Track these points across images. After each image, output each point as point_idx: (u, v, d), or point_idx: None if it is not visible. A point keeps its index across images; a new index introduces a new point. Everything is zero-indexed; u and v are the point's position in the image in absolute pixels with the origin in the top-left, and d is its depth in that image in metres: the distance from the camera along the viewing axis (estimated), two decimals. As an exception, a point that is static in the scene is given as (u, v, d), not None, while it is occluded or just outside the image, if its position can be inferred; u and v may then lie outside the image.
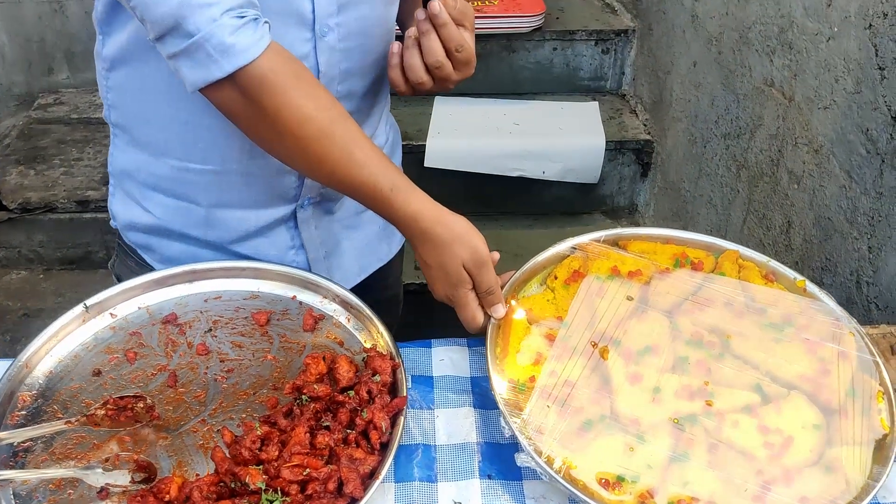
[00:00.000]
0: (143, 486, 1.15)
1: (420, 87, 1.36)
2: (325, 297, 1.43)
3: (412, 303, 2.19)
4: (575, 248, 1.49)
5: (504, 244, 3.16)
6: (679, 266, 1.47)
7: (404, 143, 3.08)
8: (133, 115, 1.45)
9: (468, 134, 3.14)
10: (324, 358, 1.28)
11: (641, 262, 1.46)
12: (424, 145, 3.08)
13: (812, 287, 1.42)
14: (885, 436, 1.20)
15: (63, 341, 1.34)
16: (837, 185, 1.93)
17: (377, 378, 1.24)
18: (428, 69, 1.35)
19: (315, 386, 1.22)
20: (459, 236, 1.30)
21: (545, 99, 3.37)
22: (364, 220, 1.68)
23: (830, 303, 1.39)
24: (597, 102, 3.34)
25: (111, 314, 1.39)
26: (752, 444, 1.18)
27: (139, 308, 1.41)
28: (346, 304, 1.41)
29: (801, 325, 1.35)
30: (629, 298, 1.40)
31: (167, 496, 1.13)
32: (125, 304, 1.41)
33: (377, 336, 1.35)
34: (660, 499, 1.12)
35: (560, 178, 3.12)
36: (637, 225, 3.25)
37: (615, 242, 1.51)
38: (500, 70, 3.34)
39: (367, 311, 1.38)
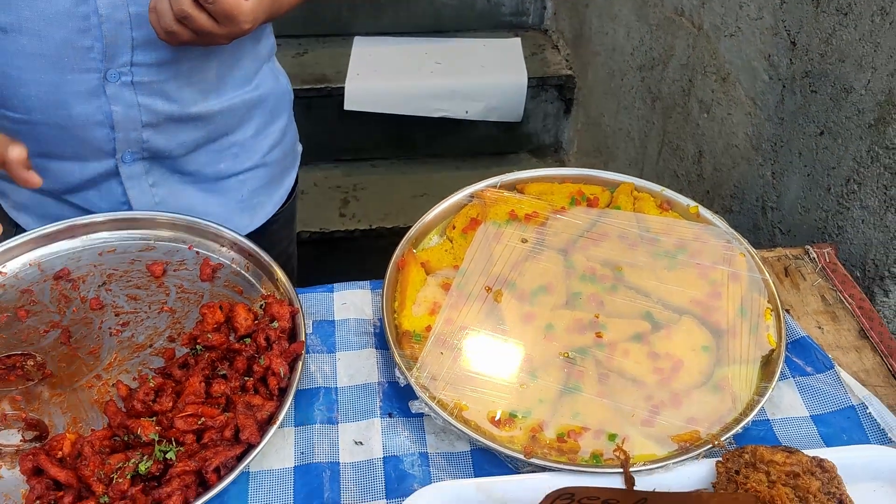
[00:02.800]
0: (36, 445, 1.14)
1: (174, 38, 1.22)
2: (223, 246, 1.41)
3: (311, 255, 2.18)
4: (473, 197, 1.48)
5: (432, 188, 3.15)
6: (575, 204, 1.47)
7: (322, 85, 3.05)
8: None
9: (389, 75, 3.09)
10: (221, 307, 1.27)
11: (538, 204, 1.46)
12: (343, 87, 3.03)
13: (705, 212, 1.44)
14: (772, 351, 1.24)
15: None
16: (743, 113, 1.94)
17: (275, 325, 1.24)
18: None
19: (209, 335, 1.21)
20: None
21: (467, 36, 3.32)
22: (226, 188, 1.62)
23: (723, 226, 1.41)
24: (519, 39, 3.31)
25: (1, 272, 1.36)
26: (641, 371, 1.21)
27: (30, 265, 1.38)
28: (244, 252, 1.40)
29: (694, 251, 1.37)
30: (524, 241, 1.40)
31: (60, 453, 1.12)
32: (15, 260, 1.38)
33: (276, 283, 1.34)
34: (549, 431, 1.14)
35: (483, 118, 3.10)
36: (562, 163, 3.26)
37: (513, 187, 1.51)
38: (421, 7, 3.28)
39: (266, 257, 1.37)
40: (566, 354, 1.23)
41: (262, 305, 1.29)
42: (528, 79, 3.08)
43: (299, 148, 1.87)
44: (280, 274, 1.34)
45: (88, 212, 1.52)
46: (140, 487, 1.07)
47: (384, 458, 1.15)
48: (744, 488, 1.04)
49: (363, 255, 2.88)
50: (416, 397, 1.18)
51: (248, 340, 1.22)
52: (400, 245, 1.38)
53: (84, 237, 1.42)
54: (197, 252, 1.41)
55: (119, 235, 1.43)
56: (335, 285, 1.39)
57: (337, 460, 1.15)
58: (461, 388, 1.19)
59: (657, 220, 1.43)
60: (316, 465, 1.14)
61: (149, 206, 1.54)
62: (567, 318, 1.28)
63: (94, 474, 1.07)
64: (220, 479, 1.08)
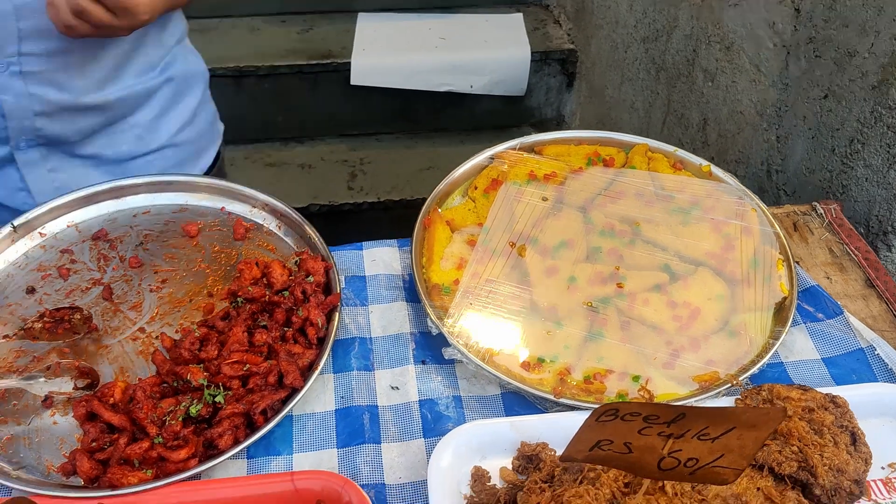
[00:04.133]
0: (87, 392, 1.19)
1: (73, 31, 1.23)
2: (255, 207, 1.47)
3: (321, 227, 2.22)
4: (493, 158, 1.53)
5: (438, 161, 3.21)
6: (592, 165, 1.53)
7: (327, 61, 3.09)
8: None
9: (394, 50, 3.13)
10: (257, 263, 1.33)
11: (556, 165, 1.51)
12: (349, 63, 3.07)
13: (717, 170, 1.50)
14: (784, 299, 1.30)
15: None
16: (748, 80, 2.00)
17: (311, 279, 1.30)
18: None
19: (250, 288, 1.27)
20: None
21: (470, 11, 3.36)
22: (132, 169, 1.60)
23: (734, 183, 1.47)
24: (521, 14, 3.35)
25: (40, 233, 1.41)
26: (661, 318, 1.27)
27: (68, 226, 1.43)
28: (275, 213, 1.45)
29: (708, 207, 1.43)
30: (544, 199, 1.46)
31: (111, 399, 1.17)
32: (53, 222, 1.43)
33: (308, 241, 1.40)
34: (576, 373, 1.20)
35: (487, 92, 3.15)
36: (566, 134, 3.30)
37: (531, 149, 1.56)
38: (423, -16, 3.32)
39: (297, 217, 1.42)
40: (589, 304, 1.29)
41: (296, 262, 1.35)
42: (532, 53, 3.12)
43: (220, 127, 1.82)
44: (312, 232, 1.40)
45: None
46: (191, 429, 1.13)
47: (420, 401, 1.21)
48: (762, 422, 1.11)
49: (372, 226, 2.93)
50: (448, 345, 1.24)
51: (286, 293, 1.28)
52: (425, 205, 1.44)
53: (119, 200, 1.47)
54: (229, 213, 1.47)
55: (153, 198, 1.48)
56: (364, 243, 1.45)
57: (375, 404, 1.21)
58: (491, 336, 1.25)
59: (671, 179, 1.49)
60: (356, 408, 1.20)
61: (49, 191, 1.51)
62: (588, 270, 1.34)
63: (148, 417, 1.12)
64: (267, 420, 1.14)
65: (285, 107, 3.17)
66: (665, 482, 1.01)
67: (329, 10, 3.33)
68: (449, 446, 1.12)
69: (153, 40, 1.51)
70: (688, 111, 2.34)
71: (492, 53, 3.14)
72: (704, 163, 1.51)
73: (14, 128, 1.41)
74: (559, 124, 3.36)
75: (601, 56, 2.96)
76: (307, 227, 1.41)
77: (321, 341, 1.25)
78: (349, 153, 3.20)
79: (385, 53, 3.12)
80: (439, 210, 1.44)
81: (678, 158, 1.53)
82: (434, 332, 1.25)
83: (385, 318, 1.33)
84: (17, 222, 1.38)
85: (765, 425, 0.79)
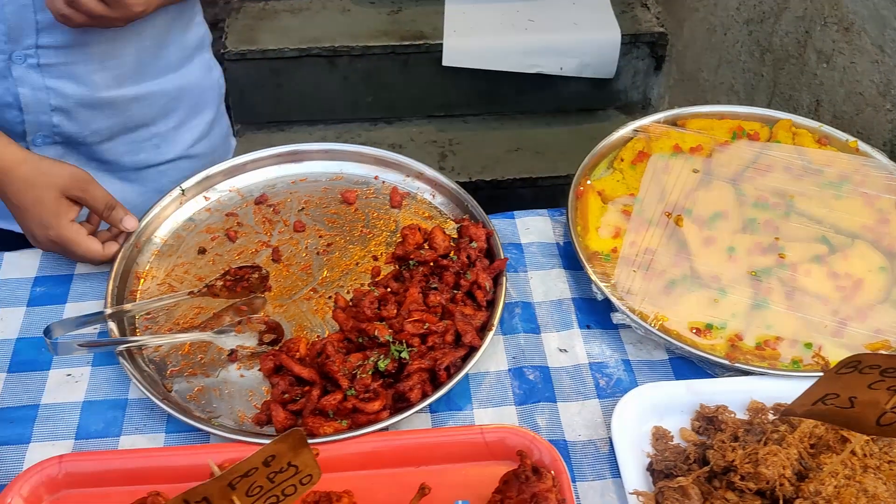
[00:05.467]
0: (272, 347, 1.24)
1: (68, 21, 1.23)
2: (408, 176, 1.50)
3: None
4: (637, 131, 1.56)
5: (525, 142, 3.23)
6: (736, 138, 1.54)
7: (420, 42, 3.12)
8: None
9: (484, 31, 3.15)
10: (419, 229, 1.37)
11: (701, 138, 1.53)
12: (440, 44, 3.09)
13: (864, 146, 1.51)
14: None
15: (164, 223, 1.43)
16: (869, 61, 1.99)
17: (474, 245, 1.33)
18: None
19: (422, 252, 1.31)
20: (50, 167, 1.25)
21: (556, -6, 3.37)
22: (145, 177, 1.61)
23: (883, 159, 1.48)
24: (608, -4, 3.35)
25: (205, 197, 1.47)
26: (824, 289, 1.29)
27: (230, 190, 1.49)
28: (430, 182, 1.49)
29: (858, 182, 1.44)
30: (695, 171, 1.48)
31: (297, 354, 1.22)
32: (217, 187, 1.49)
33: (466, 208, 1.43)
34: (748, 340, 1.23)
35: (577, 74, 3.16)
36: (652, 118, 3.31)
37: (674, 122, 1.58)
38: (508, -33, 3.33)
39: (453, 185, 1.46)
40: (753, 273, 1.31)
41: (457, 229, 1.38)
42: (621, 35, 3.13)
43: (233, 142, 1.84)
44: (469, 200, 1.43)
45: None
46: (380, 382, 1.18)
47: (590, 363, 1.25)
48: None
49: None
50: (614, 310, 1.27)
51: (454, 258, 1.31)
52: (575, 176, 1.47)
53: (277, 167, 1.52)
54: (383, 181, 1.51)
55: (309, 166, 1.53)
56: (515, 212, 1.48)
57: (546, 364, 1.24)
58: (657, 302, 1.28)
59: (818, 153, 1.50)
60: (528, 367, 1.24)
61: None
62: (747, 241, 1.36)
63: (340, 370, 1.17)
64: (450, 377, 1.18)
65: (376, 87, 3.21)
66: (856, 443, 1.03)
67: (417, -8, 3.35)
68: (629, 406, 1.15)
69: (175, 41, 1.51)
70: (797, 93, 2.33)
71: (581, 35, 3.14)
72: (851, 138, 1.52)
73: (31, 122, 1.41)
74: (645, 108, 3.36)
75: (695, 39, 2.95)
76: (464, 195, 1.44)
77: (489, 304, 1.28)
78: (438, 134, 3.23)
79: (476, 35, 3.14)
80: (588, 181, 1.47)
81: (823, 134, 1.54)
82: (599, 297, 1.28)
83: (545, 284, 1.36)
84: (184, 186, 1.44)
85: None
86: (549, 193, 3.06)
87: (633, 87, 3.33)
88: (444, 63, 3.10)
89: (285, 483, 0.84)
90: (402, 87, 3.23)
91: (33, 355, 1.25)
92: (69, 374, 1.22)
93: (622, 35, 3.14)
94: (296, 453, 0.81)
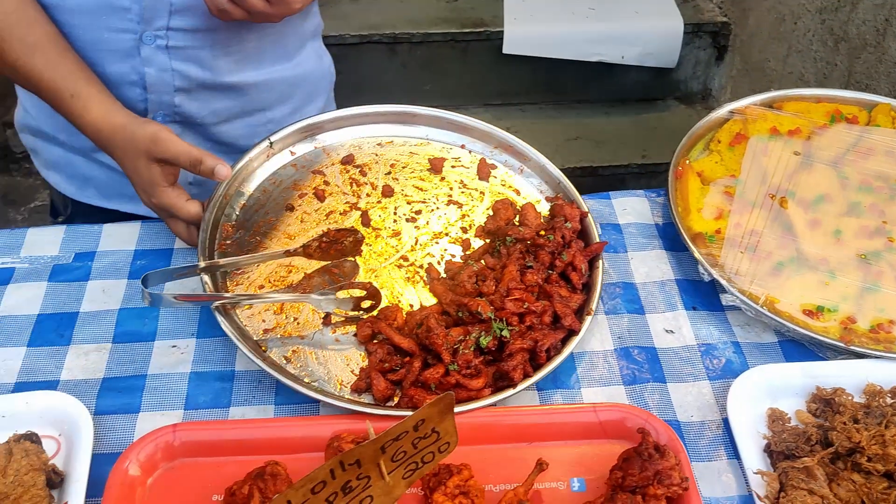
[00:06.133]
0: (368, 314, 1.23)
1: (226, 15, 1.24)
2: (496, 147, 1.49)
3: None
4: (733, 113, 1.53)
5: (583, 131, 3.20)
6: (835, 122, 1.51)
7: (480, 29, 3.10)
8: None
9: (545, 19, 3.13)
10: (511, 204, 1.35)
11: (799, 121, 1.51)
12: (500, 32, 3.08)
13: (966, 134, 1.47)
14: None
15: (251, 177, 1.42)
16: (956, 48, 1.95)
17: (568, 225, 1.31)
18: None
19: (521, 228, 1.29)
20: (135, 132, 1.25)
21: (615, -17, 3.34)
22: None
23: None
24: (668, -14, 3.31)
25: (290, 152, 1.46)
26: (939, 274, 1.26)
27: (315, 147, 1.48)
28: (516, 154, 1.47)
29: (965, 168, 1.41)
30: (796, 153, 1.45)
31: (395, 323, 1.21)
32: (303, 143, 1.48)
33: (557, 187, 1.42)
34: (862, 323, 1.20)
35: (638, 63, 3.13)
36: (712, 109, 3.27)
37: (769, 105, 1.56)
38: (567, -45, 3.31)
39: (542, 160, 1.44)
40: (863, 256, 1.28)
41: (550, 207, 1.37)
42: (683, 24, 3.09)
43: None
44: (562, 178, 1.42)
45: (115, 171, 1.45)
46: (480, 359, 1.16)
47: (698, 345, 1.23)
48: None
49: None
50: (722, 292, 1.25)
51: (550, 237, 1.30)
52: (674, 157, 1.44)
53: (363, 126, 1.51)
54: (470, 151, 1.49)
55: (395, 129, 1.52)
56: (611, 193, 1.47)
57: (653, 345, 1.23)
58: (765, 284, 1.25)
59: (922, 138, 1.47)
60: (634, 348, 1.22)
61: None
62: (854, 224, 1.33)
63: (444, 344, 1.16)
64: (549, 358, 1.17)
65: (434, 74, 3.20)
66: None
67: (475, -20, 3.34)
68: (743, 388, 1.13)
69: (293, 29, 1.51)
70: (874, 81, 2.29)
71: (643, 24, 3.11)
72: (956, 123, 1.48)
73: (153, 101, 1.42)
74: (705, 98, 3.32)
75: (762, 29, 2.91)
76: (554, 172, 1.43)
77: (585, 286, 1.27)
78: (495, 122, 3.14)
79: (536, 22, 3.12)
80: (687, 161, 1.45)
81: (924, 119, 1.51)
82: (706, 278, 1.26)
83: (646, 265, 1.34)
84: (273, 138, 1.44)
85: None
86: (609, 182, 3.04)
87: (693, 77, 3.29)
88: (505, 51, 3.08)
89: (426, 450, 0.84)
90: (461, 74, 3.22)
91: (137, 326, 1.25)
92: (174, 346, 1.23)
93: (685, 24, 3.11)
94: (441, 419, 0.80)
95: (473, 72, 3.21)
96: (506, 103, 3.31)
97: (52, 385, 1.18)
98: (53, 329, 1.25)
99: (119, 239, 1.39)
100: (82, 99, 1.27)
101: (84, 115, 1.27)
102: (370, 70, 3.15)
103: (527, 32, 3.09)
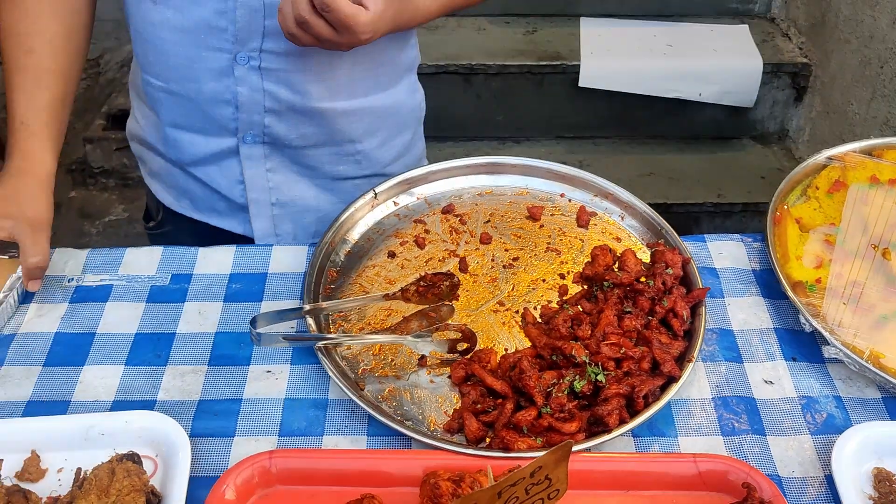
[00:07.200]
0: (463, 356, 1.23)
1: (295, 40, 1.26)
2: (596, 196, 1.49)
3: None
4: (831, 159, 1.50)
5: (657, 167, 3.18)
6: (939, 172, 1.48)
7: (557, 62, 3.11)
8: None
9: (621, 54, 3.13)
10: (610, 250, 1.35)
11: (901, 169, 1.47)
12: (576, 65, 3.09)
13: None
14: None
15: (356, 225, 1.45)
16: None
17: (670, 271, 1.30)
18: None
19: (619, 273, 1.28)
20: (36, 193, 1.34)
21: (693, 21, 3.33)
22: (341, 189, 1.61)
23: None
24: (747, 25, 3.29)
25: (394, 202, 1.48)
26: None
27: (418, 199, 1.50)
28: (618, 202, 1.46)
29: None
30: (899, 202, 1.42)
31: (489, 365, 1.21)
32: (405, 194, 1.50)
33: (660, 233, 1.41)
34: (974, 384, 1.16)
35: (716, 101, 3.10)
36: (789, 151, 3.22)
37: (869, 152, 1.53)
38: (646, -9, 3.31)
39: (644, 207, 1.43)
40: (975, 312, 1.24)
41: (651, 253, 1.36)
42: (763, 64, 3.06)
43: (425, 164, 1.77)
44: (665, 225, 1.40)
45: (208, 186, 1.55)
46: (574, 403, 1.15)
47: (798, 397, 1.20)
48: None
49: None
50: (824, 343, 1.21)
51: (651, 283, 1.28)
52: (772, 202, 1.42)
53: (463, 178, 1.52)
54: (569, 199, 1.49)
55: (494, 179, 1.53)
56: (706, 236, 1.45)
57: (752, 395, 1.20)
58: (869, 337, 1.22)
59: None
60: (731, 398, 1.19)
61: (262, 189, 1.55)
62: (963, 278, 1.29)
63: (536, 386, 1.15)
64: (647, 405, 1.15)
65: (508, 106, 3.21)
66: None
67: (552, 14, 3.36)
68: (849, 445, 1.09)
69: (389, 61, 1.52)
70: (967, 130, 2.23)
71: (721, 62, 3.09)
72: None
73: (244, 120, 1.45)
74: (782, 139, 3.28)
75: (845, 71, 2.86)
76: (655, 219, 1.42)
77: (686, 333, 1.25)
78: (566, 155, 3.21)
79: (613, 57, 3.12)
80: (786, 207, 1.42)
81: None
82: (807, 329, 1.23)
83: (744, 312, 1.32)
84: (378, 189, 1.46)
85: None
86: (683, 220, 3.01)
87: (770, 118, 3.25)
88: (581, 84, 3.09)
89: (536, 496, 0.83)
90: (535, 106, 3.23)
91: (233, 350, 1.27)
92: (269, 371, 1.24)
93: (764, 64, 3.08)
94: (556, 466, 0.79)
95: (547, 104, 3.22)
96: (578, 136, 3.31)
97: (148, 405, 1.20)
98: (151, 349, 1.27)
99: (214, 262, 1.41)
100: (27, 130, 1.36)
101: (20, 143, 1.35)
102: (444, 100, 3.18)
103: (604, 66, 3.09)
